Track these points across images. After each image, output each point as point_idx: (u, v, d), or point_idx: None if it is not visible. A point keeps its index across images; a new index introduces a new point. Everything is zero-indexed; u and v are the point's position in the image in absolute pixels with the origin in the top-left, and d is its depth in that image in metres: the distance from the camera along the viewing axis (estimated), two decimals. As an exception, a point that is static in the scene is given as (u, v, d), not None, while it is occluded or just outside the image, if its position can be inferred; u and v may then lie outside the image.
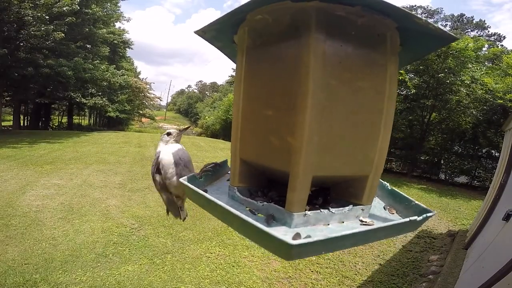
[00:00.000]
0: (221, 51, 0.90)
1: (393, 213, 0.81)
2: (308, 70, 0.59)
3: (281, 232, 0.60)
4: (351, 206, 0.71)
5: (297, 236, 0.58)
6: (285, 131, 0.64)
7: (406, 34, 0.68)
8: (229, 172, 1.00)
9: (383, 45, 0.67)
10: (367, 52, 0.66)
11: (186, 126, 1.42)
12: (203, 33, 0.77)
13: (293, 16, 0.63)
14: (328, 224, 0.68)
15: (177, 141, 1.08)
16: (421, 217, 0.69)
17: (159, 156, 1.01)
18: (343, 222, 0.70)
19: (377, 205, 0.83)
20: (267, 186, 0.81)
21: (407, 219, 0.68)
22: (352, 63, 0.64)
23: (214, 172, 0.95)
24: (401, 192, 0.84)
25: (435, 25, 0.62)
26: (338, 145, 0.66)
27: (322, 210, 0.68)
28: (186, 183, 0.79)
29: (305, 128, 0.60)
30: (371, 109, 0.69)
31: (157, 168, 1.01)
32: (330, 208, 0.69)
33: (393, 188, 0.86)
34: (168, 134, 1.09)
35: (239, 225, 0.64)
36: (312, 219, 0.66)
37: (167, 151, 1.02)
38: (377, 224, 0.70)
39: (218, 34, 0.79)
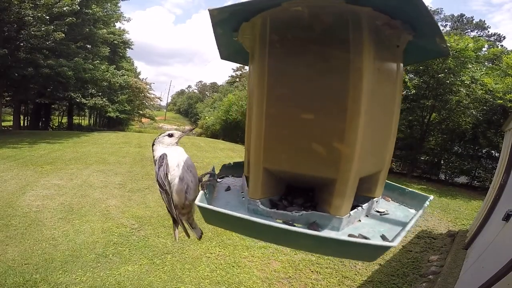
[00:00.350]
0: (216, 39, 0.81)
1: (388, 201, 0.87)
2: (362, 75, 0.58)
3: (351, 239, 0.59)
4: (370, 201, 0.75)
5: (355, 236, 0.62)
6: (333, 137, 0.62)
7: (410, 45, 0.71)
8: (218, 180, 0.97)
9: (398, 54, 0.71)
10: (389, 60, 0.70)
11: (190, 128, 1.28)
12: (220, 12, 0.68)
13: (339, 17, 0.60)
14: (360, 220, 0.72)
15: (177, 144, 0.97)
16: (428, 200, 0.74)
17: (166, 162, 0.86)
18: (367, 216, 0.75)
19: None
20: (287, 194, 0.77)
21: (426, 204, 0.73)
22: (383, 70, 0.68)
23: (210, 183, 0.89)
24: (388, 181, 0.86)
25: (446, 44, 0.66)
26: (374, 147, 0.70)
27: (357, 208, 0.71)
28: (214, 208, 0.64)
29: (358, 134, 0.59)
30: (388, 112, 0.73)
31: (166, 169, 0.86)
32: (361, 205, 0.73)
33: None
34: (170, 135, 0.95)
35: (310, 244, 0.60)
36: (352, 218, 0.69)
37: (174, 157, 0.88)
38: (397, 212, 0.75)
39: (230, 17, 0.71)
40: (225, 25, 0.75)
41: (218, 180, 0.99)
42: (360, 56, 0.59)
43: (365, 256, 0.60)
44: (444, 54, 0.74)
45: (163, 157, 0.86)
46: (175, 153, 0.89)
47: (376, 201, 0.78)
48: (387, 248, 0.51)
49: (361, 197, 0.76)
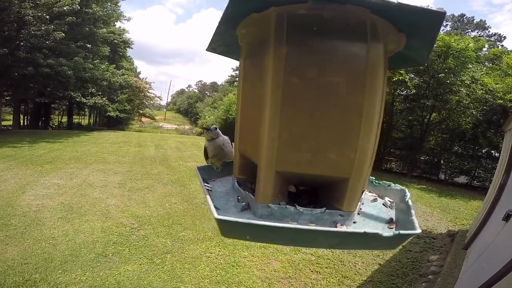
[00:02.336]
0: (216, 33, 0.78)
1: (391, 228, 0.73)
2: (268, 71, 0.63)
3: (239, 217, 0.65)
4: (324, 209, 0.68)
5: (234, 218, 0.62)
6: (257, 128, 0.68)
7: (395, 20, 0.63)
8: (209, 186, 0.95)
9: (359, 34, 0.62)
10: (338, 44, 0.64)
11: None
12: (213, 50, 0.82)
13: (261, 25, 0.67)
14: (296, 222, 0.67)
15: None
16: (388, 234, 0.57)
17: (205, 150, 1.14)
18: (314, 224, 0.67)
19: (387, 218, 0.77)
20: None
21: (360, 231, 0.58)
22: (319, 59, 0.64)
23: (231, 165, 0.95)
24: (412, 207, 0.76)
25: (408, 3, 0.57)
26: (304, 141, 0.65)
27: (288, 206, 0.69)
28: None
29: (265, 125, 0.64)
30: (346, 105, 0.64)
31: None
32: (297, 206, 0.69)
33: (409, 201, 0.80)
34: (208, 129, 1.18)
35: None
36: (277, 213, 0.68)
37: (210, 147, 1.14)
38: (311, 226, 0.65)
39: (228, 49, 0.85)
40: (232, 52, 0.85)
41: (207, 186, 0.96)
42: (268, 55, 0.63)
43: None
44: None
45: (205, 148, 1.14)
46: (212, 146, 1.14)
47: (342, 216, 0.71)
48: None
49: (331, 207, 0.71)
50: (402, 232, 0.59)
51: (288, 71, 0.62)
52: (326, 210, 0.68)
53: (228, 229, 0.63)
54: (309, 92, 0.64)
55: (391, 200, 0.85)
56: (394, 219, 0.75)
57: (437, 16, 0.59)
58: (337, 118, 0.65)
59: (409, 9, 0.57)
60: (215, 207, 0.68)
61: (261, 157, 0.66)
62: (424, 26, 0.64)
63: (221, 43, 0.82)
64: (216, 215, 0.59)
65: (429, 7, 0.57)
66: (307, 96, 0.64)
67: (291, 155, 0.66)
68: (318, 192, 0.78)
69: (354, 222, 0.71)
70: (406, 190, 0.83)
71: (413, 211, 0.70)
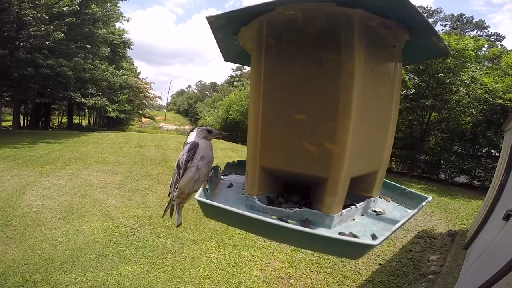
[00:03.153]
0: (218, 43, 0.84)
1: (388, 201, 0.87)
2: (353, 76, 0.60)
3: (333, 235, 0.60)
4: (367, 200, 0.75)
5: (345, 234, 0.62)
6: (324, 137, 0.64)
7: (408, 45, 0.71)
8: (222, 177, 1.01)
9: (395, 54, 0.71)
10: (385, 61, 0.71)
11: (227, 133, 1.38)
12: (216, 19, 0.71)
13: (332, 19, 0.62)
14: (354, 219, 0.72)
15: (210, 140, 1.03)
16: (425, 202, 0.75)
17: (195, 151, 0.93)
18: (362, 215, 0.75)
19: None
20: (284, 191, 0.80)
21: (421, 205, 0.73)
22: (378, 71, 0.68)
23: (211, 180, 0.93)
24: (388, 181, 0.89)
25: (444, 43, 0.66)
26: (368, 147, 0.70)
27: (351, 207, 0.72)
28: (212, 203, 0.65)
29: (348, 134, 0.60)
30: (385, 113, 0.73)
31: (192, 156, 0.93)
32: (356, 204, 0.73)
33: (384, 179, 0.89)
34: (209, 131, 1.02)
35: (299, 239, 0.62)
36: (345, 216, 0.70)
37: (203, 148, 0.96)
38: (395, 212, 0.75)
39: (228, 23, 0.74)
40: (225, 30, 0.78)
41: (222, 177, 1.02)
42: (351, 57, 0.60)
43: (349, 254, 0.62)
44: (444, 53, 0.74)
45: (195, 145, 0.94)
46: (206, 147, 0.96)
47: (373, 201, 0.78)
48: (368, 246, 0.52)
49: (358, 197, 0.77)
50: (428, 200, 0.75)
51: (365, 78, 0.63)
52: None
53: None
54: (372, 100, 0.68)
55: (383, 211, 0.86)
56: (381, 194, 0.85)
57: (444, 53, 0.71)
58: (381, 123, 0.73)
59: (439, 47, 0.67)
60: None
61: (339, 168, 0.63)
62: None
63: (233, 54, 0.88)
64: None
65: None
66: (371, 104, 0.68)
67: (361, 161, 0.69)
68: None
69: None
70: (428, 198, 0.82)
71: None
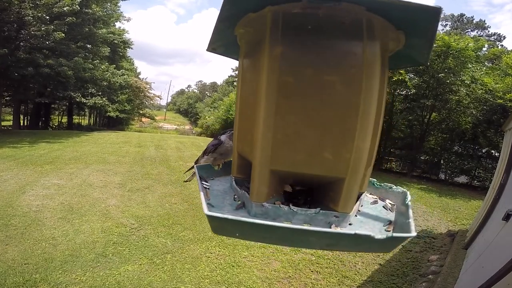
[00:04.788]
0: (217, 26, 0.77)
1: (389, 231, 0.71)
2: (263, 71, 0.63)
3: (234, 216, 0.61)
4: (318, 209, 0.67)
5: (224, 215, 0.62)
6: (252, 128, 0.69)
7: (391, 17, 0.62)
8: (207, 185, 0.96)
9: (354, 32, 0.62)
10: (333, 43, 0.63)
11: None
12: (213, 50, 0.83)
13: (256, 25, 0.67)
14: (290, 222, 0.67)
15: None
16: (381, 236, 0.55)
17: (220, 144, 1.16)
18: (308, 224, 0.67)
19: (386, 221, 0.75)
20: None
21: (351, 232, 0.56)
22: (314, 58, 0.63)
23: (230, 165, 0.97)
24: (410, 210, 0.74)
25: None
26: (298, 141, 0.66)
27: (281, 206, 0.69)
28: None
29: (259, 124, 0.65)
30: (342, 105, 0.63)
31: (213, 150, 1.16)
32: (290, 205, 0.68)
33: (409, 203, 0.78)
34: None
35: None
36: (271, 212, 0.69)
37: (226, 147, 1.15)
38: (304, 226, 0.64)
39: (227, 49, 0.85)
40: (232, 52, 0.86)
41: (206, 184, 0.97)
42: (263, 54, 0.63)
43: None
44: (432, 12, 0.60)
45: (220, 143, 1.16)
46: (228, 148, 1.14)
47: (337, 217, 0.70)
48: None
49: (325, 207, 0.70)
50: (395, 234, 0.57)
51: (283, 70, 0.62)
52: (321, 211, 0.67)
53: (217, 225, 0.62)
54: (304, 91, 0.64)
55: (392, 203, 0.84)
56: (392, 222, 0.74)
57: (434, 13, 0.58)
58: (333, 118, 0.64)
59: (404, 6, 0.56)
60: (210, 204, 0.73)
61: (255, 156, 0.67)
62: (421, 23, 0.63)
63: (221, 43, 0.82)
64: (206, 211, 0.59)
65: (425, 4, 0.57)
66: (302, 95, 0.64)
67: (286, 154, 0.66)
68: (314, 192, 0.77)
69: (350, 224, 0.70)
70: (408, 193, 0.81)
71: (411, 213, 0.70)
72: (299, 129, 0.65)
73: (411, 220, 0.65)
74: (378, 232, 0.69)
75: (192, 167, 1.19)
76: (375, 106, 0.63)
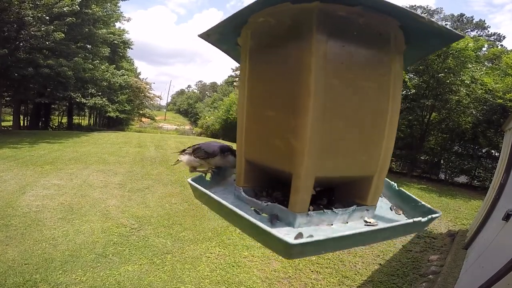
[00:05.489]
0: (227, 54, 0.90)
1: (399, 214, 0.80)
2: (310, 71, 0.59)
3: (284, 232, 0.61)
4: (355, 207, 0.71)
5: (299, 235, 0.60)
6: (287, 133, 0.65)
7: (411, 33, 0.67)
8: (235, 173, 1.01)
9: (386, 44, 0.67)
10: (370, 52, 0.66)
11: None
12: (207, 36, 0.78)
13: (294, 18, 0.63)
14: (332, 224, 0.69)
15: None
16: (425, 218, 0.68)
17: (215, 156, 1.02)
18: (347, 223, 0.71)
19: (384, 205, 0.83)
20: (271, 186, 0.81)
21: (411, 220, 0.67)
22: (354, 63, 0.64)
23: (220, 173, 0.96)
24: (408, 193, 0.84)
25: (439, 23, 0.62)
26: (341, 146, 0.66)
27: (325, 210, 0.69)
28: (193, 184, 0.78)
29: (307, 130, 0.60)
30: (375, 109, 0.68)
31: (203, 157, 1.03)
32: (333, 208, 0.70)
33: (401, 188, 0.85)
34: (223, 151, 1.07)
35: (243, 225, 0.64)
36: (315, 219, 0.67)
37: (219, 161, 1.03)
38: (380, 225, 0.70)
39: (222, 37, 0.79)
40: (223, 43, 0.83)
41: (235, 173, 1.01)
42: (309, 52, 0.59)
43: (280, 250, 0.57)
44: (454, 37, 0.68)
45: (214, 155, 1.03)
46: (219, 162, 1.02)
47: (367, 210, 0.73)
48: (285, 243, 0.50)
49: (352, 203, 0.72)
50: (433, 216, 0.69)
51: (329, 72, 0.60)
52: (356, 207, 0.72)
53: (300, 251, 0.58)
54: (346, 95, 0.64)
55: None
56: (392, 206, 0.83)
57: (456, 38, 0.67)
58: (367, 121, 0.68)
59: (442, 31, 0.63)
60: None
61: (300, 165, 0.62)
62: (434, 44, 0.71)
63: (219, 30, 0.78)
64: (292, 241, 0.51)
65: (454, 31, 0.64)
66: (345, 99, 0.64)
67: (331, 160, 0.66)
68: (335, 191, 0.78)
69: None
70: (388, 180, 0.86)
71: (414, 197, 0.79)
72: (342, 133, 0.66)
73: (424, 203, 0.77)
74: (393, 215, 0.79)
75: (184, 150, 1.12)
76: (399, 110, 0.69)
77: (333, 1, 0.60)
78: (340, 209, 0.70)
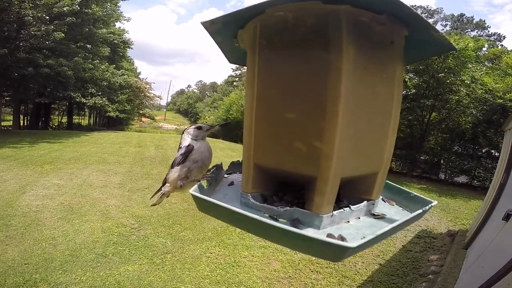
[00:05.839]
0: (219, 46, 0.87)
1: (393, 205, 0.85)
2: (340, 75, 0.59)
3: (310, 234, 0.59)
4: (365, 202, 0.74)
5: (332, 236, 0.60)
6: (313, 136, 0.63)
7: (412, 42, 0.70)
8: (225, 176, 1.00)
9: (395, 51, 0.70)
10: (382, 58, 0.69)
11: (220, 124, 1.26)
12: (211, 24, 0.73)
13: (319, 17, 0.61)
14: (348, 221, 0.71)
15: (204, 138, 1.01)
16: (427, 207, 0.74)
17: (188, 154, 0.95)
18: (359, 218, 0.73)
19: None
20: (279, 190, 0.79)
21: (420, 211, 0.72)
22: (372, 68, 0.66)
23: (212, 177, 0.92)
24: (395, 185, 0.89)
25: (446, 37, 0.66)
26: (361, 146, 0.69)
27: (344, 208, 0.70)
28: (199, 195, 0.69)
29: (336, 133, 0.60)
30: (384, 110, 0.72)
31: (183, 159, 0.95)
32: (350, 206, 0.72)
33: (387, 181, 0.87)
34: (199, 128, 1.00)
35: (279, 237, 0.61)
36: (337, 218, 0.68)
37: (198, 152, 0.97)
38: (398, 218, 0.72)
39: (224, 27, 0.75)
40: (223, 33, 0.79)
41: (225, 175, 1.01)
42: (339, 55, 0.59)
43: (329, 256, 0.59)
44: (449, 48, 0.74)
45: (189, 150, 0.96)
46: (202, 151, 0.97)
47: (373, 204, 0.76)
48: (345, 249, 0.50)
49: (357, 199, 0.75)
50: (432, 204, 0.75)
51: (356, 76, 0.61)
52: (366, 203, 0.74)
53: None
54: (366, 99, 0.67)
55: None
56: (384, 197, 0.86)
57: (449, 49, 0.75)
58: (379, 123, 0.72)
59: (439, 41, 0.68)
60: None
61: (328, 168, 0.62)
62: (431, 51, 0.82)
63: (224, 20, 0.74)
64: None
65: (451, 43, 0.72)
66: (365, 102, 0.66)
67: (354, 160, 0.68)
68: (341, 188, 0.78)
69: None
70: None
71: (405, 189, 0.86)
72: (362, 135, 0.68)
73: (415, 193, 0.83)
74: (387, 206, 0.83)
75: (160, 189, 1.03)
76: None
77: (363, 7, 0.59)
78: (355, 206, 0.72)
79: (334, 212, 0.67)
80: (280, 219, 0.68)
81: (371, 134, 0.71)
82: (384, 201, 0.85)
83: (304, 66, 0.65)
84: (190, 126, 1.04)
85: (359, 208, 0.73)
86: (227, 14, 0.68)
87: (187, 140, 0.99)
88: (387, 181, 0.87)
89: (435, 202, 0.77)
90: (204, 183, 0.84)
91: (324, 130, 0.61)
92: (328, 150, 0.61)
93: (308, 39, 0.64)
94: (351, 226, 0.69)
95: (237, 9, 0.67)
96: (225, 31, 0.77)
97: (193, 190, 0.72)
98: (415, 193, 0.83)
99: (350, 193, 0.76)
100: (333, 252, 0.54)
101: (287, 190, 0.79)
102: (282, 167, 0.72)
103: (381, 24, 0.63)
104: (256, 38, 0.70)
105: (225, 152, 11.57)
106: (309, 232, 0.62)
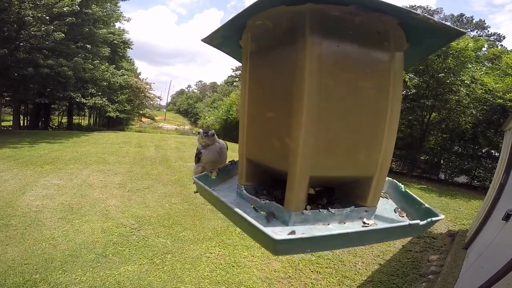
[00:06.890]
0: (231, 56, 0.92)
1: (403, 216, 0.79)
2: (303, 72, 0.60)
3: (278, 229, 0.63)
4: (352, 207, 0.71)
5: (292, 233, 0.61)
6: (284, 133, 0.66)
7: (411, 31, 0.67)
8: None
9: (385, 42, 0.66)
10: (368, 51, 0.66)
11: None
12: (210, 40, 0.79)
13: (290, 20, 0.64)
14: (328, 224, 0.69)
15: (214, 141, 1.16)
16: (424, 222, 0.66)
17: (200, 154, 1.14)
18: (344, 223, 0.70)
19: (389, 207, 0.82)
20: (272, 185, 0.83)
21: (406, 223, 0.66)
22: (351, 63, 0.64)
23: (226, 170, 1.00)
24: (414, 195, 0.82)
25: (436, 20, 0.61)
26: (337, 146, 0.66)
27: (321, 210, 0.69)
28: (197, 181, 0.83)
29: (301, 129, 0.61)
30: (374, 109, 0.67)
31: (197, 161, 1.16)
32: (329, 208, 0.70)
33: (407, 190, 0.85)
34: (205, 134, 1.14)
35: (239, 222, 0.66)
36: (311, 218, 0.67)
37: (206, 153, 1.14)
38: (371, 226, 0.69)
39: (225, 40, 0.81)
40: (227, 46, 0.85)
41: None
42: (303, 54, 0.60)
43: (269, 246, 0.59)
44: (455, 34, 0.66)
45: (199, 153, 1.14)
46: (207, 152, 1.13)
47: (367, 211, 0.72)
48: (271, 239, 0.53)
49: (352, 204, 0.72)
50: (433, 219, 0.67)
51: (323, 72, 0.60)
52: (354, 208, 0.71)
53: (285, 247, 0.61)
54: (342, 95, 0.64)
55: (383, 191, 0.88)
56: (397, 208, 0.82)
57: (456, 35, 0.65)
58: (366, 121, 0.67)
59: (443, 29, 0.63)
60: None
61: (294, 163, 0.64)
62: (435, 41, 0.71)
63: (221, 34, 0.79)
64: (277, 236, 0.53)
65: (456, 28, 0.63)
66: (340, 99, 0.64)
67: (326, 159, 0.66)
68: (335, 191, 0.78)
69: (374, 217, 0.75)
70: (395, 181, 0.88)
71: (420, 200, 0.78)
72: (338, 133, 0.66)
73: (428, 205, 0.76)
74: (396, 217, 0.78)
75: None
76: (399, 110, 0.68)
77: (326, 2, 0.59)
78: (336, 209, 0.70)
79: (307, 211, 0.67)
80: (261, 211, 0.72)
81: (356, 134, 0.67)
82: (396, 211, 0.80)
83: (279, 68, 0.68)
84: (199, 131, 1.19)
85: (342, 213, 0.70)
86: (217, 29, 0.75)
87: (198, 146, 1.17)
88: (408, 190, 0.85)
89: (442, 217, 0.70)
90: (212, 175, 0.95)
91: (292, 126, 0.63)
92: (294, 146, 0.63)
93: (282, 42, 0.67)
94: (326, 229, 0.67)
95: (223, 21, 0.74)
96: (228, 43, 0.82)
97: (195, 176, 0.86)
98: (427, 205, 0.76)
99: (346, 197, 0.75)
100: (268, 242, 0.56)
101: (279, 185, 0.79)
102: (265, 162, 0.77)
103: (357, 15, 0.61)
104: (248, 46, 0.76)
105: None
106: (278, 227, 0.65)
